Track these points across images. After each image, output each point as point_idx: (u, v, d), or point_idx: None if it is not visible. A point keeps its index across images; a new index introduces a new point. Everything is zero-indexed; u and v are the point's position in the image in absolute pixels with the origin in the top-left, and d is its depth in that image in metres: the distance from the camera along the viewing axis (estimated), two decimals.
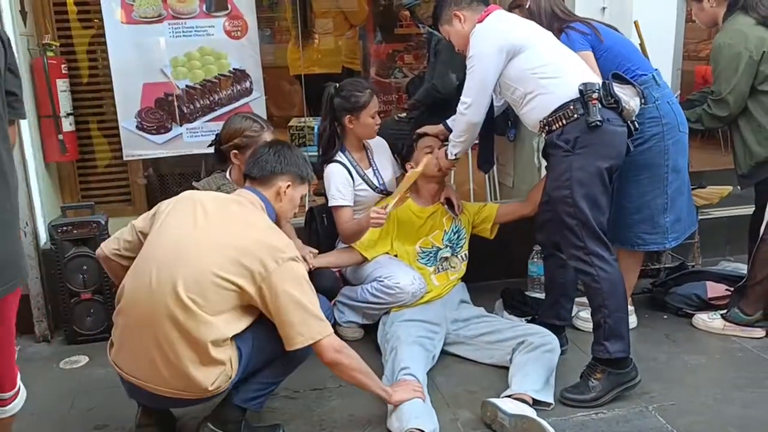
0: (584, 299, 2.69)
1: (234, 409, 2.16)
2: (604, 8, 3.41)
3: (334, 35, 4.87)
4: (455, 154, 2.86)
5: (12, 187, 1.75)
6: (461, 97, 2.67)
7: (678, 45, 3.62)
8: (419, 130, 3.13)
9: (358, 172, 3.05)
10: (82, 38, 3.80)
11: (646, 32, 3.29)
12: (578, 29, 2.74)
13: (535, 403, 2.36)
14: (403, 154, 3.17)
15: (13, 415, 1.90)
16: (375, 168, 3.13)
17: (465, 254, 3.11)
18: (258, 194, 2.22)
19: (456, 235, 3.08)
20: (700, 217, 3.34)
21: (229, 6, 3.42)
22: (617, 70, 2.60)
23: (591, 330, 2.55)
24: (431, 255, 3.04)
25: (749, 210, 3.22)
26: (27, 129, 3.16)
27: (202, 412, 2.24)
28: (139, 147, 3.51)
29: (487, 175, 3.95)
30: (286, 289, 2.00)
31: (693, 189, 3.09)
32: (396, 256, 3.04)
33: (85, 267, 3.07)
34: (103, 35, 3.37)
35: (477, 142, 3.08)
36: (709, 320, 3.07)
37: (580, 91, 2.40)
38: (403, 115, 3.95)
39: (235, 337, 2.04)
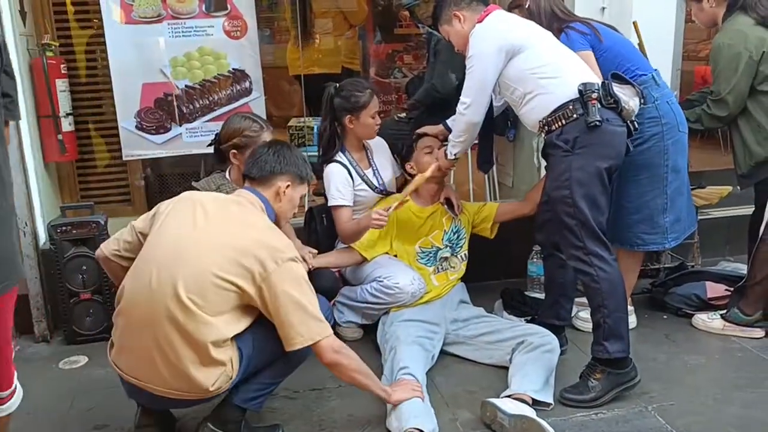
0: (584, 299, 2.69)
1: (234, 409, 2.16)
2: (603, 8, 3.41)
3: (333, 35, 4.86)
4: (455, 154, 2.86)
5: (7, 184, 1.74)
6: (460, 97, 2.67)
7: (677, 45, 3.62)
8: (419, 131, 3.13)
9: (357, 172, 3.04)
10: (82, 38, 3.80)
11: (645, 32, 3.29)
12: (578, 29, 2.74)
13: (535, 403, 2.36)
14: (402, 155, 3.17)
15: (9, 414, 1.89)
16: (375, 168, 3.13)
17: (465, 254, 3.11)
18: (257, 194, 2.21)
19: (456, 235, 3.08)
20: (699, 217, 3.34)
21: (229, 6, 3.42)
22: (617, 70, 2.60)
23: (590, 330, 2.55)
24: (431, 255, 3.04)
25: (749, 210, 3.22)
26: (26, 129, 3.17)
27: (201, 412, 2.24)
28: (139, 147, 3.50)
29: (486, 175, 3.95)
30: (286, 289, 2.00)
31: (692, 189, 3.09)
32: (396, 256, 3.04)
33: (84, 267, 3.07)
34: (103, 35, 3.37)
35: (476, 142, 3.08)
36: (708, 320, 3.07)
37: (580, 91, 2.40)
38: (403, 115, 3.95)
39: (236, 338, 2.04)
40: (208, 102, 3.51)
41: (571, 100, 2.42)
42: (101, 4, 3.30)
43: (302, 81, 4.47)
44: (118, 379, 2.14)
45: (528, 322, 2.92)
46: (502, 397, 2.37)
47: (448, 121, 2.97)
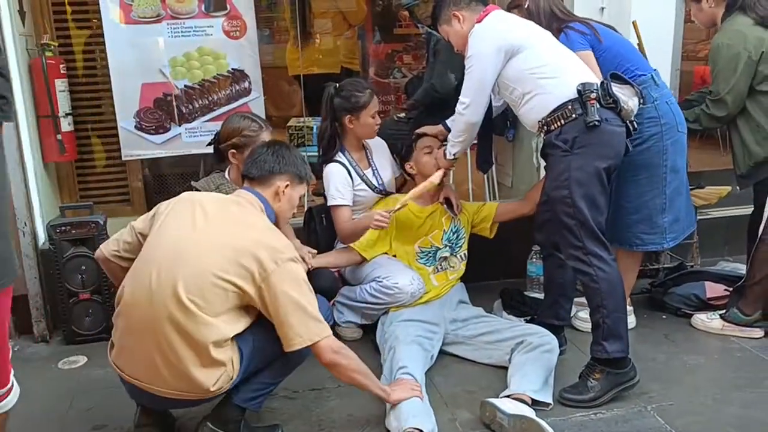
0: (583, 299, 2.70)
1: (234, 409, 2.16)
2: (602, 8, 3.41)
3: (332, 35, 4.87)
4: (454, 154, 2.86)
5: (6, 184, 1.74)
6: (460, 97, 2.67)
7: (677, 45, 3.61)
8: (418, 131, 3.13)
9: (357, 173, 3.05)
10: (81, 38, 3.80)
11: (644, 32, 3.29)
12: (577, 29, 2.74)
13: (534, 403, 2.36)
14: (402, 155, 3.17)
15: (7, 412, 1.89)
16: (374, 168, 3.13)
17: (464, 254, 3.11)
18: (257, 195, 2.22)
19: (455, 235, 3.08)
20: (698, 218, 3.34)
21: (228, 6, 3.42)
22: (616, 70, 2.60)
23: (590, 330, 2.55)
24: (430, 255, 3.04)
25: (748, 210, 3.23)
26: (26, 129, 3.17)
27: (201, 412, 2.23)
28: (138, 147, 3.50)
29: (485, 175, 3.95)
30: (285, 290, 2.00)
31: (692, 189, 3.09)
32: (395, 256, 3.04)
33: (83, 267, 3.07)
34: (102, 35, 3.37)
35: (475, 142, 3.08)
36: (707, 320, 3.07)
37: (579, 91, 2.40)
38: (402, 115, 3.95)
39: (236, 338, 2.04)
40: (207, 102, 3.51)
41: (570, 100, 2.42)
42: (100, 4, 3.30)
43: (301, 81, 4.48)
44: (117, 379, 2.14)
45: (527, 322, 2.92)
46: (501, 397, 2.37)
47: (448, 121, 2.97)
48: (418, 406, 2.29)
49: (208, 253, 2.00)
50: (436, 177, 2.88)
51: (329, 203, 3.00)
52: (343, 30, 4.91)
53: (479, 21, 2.62)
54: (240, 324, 2.04)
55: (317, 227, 3.18)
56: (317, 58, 4.80)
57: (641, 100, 2.53)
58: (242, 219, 2.13)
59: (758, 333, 2.96)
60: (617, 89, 2.43)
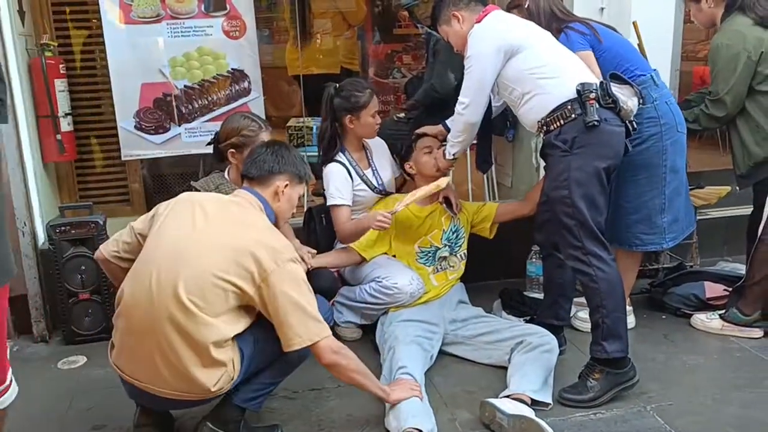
0: (583, 299, 2.69)
1: (234, 409, 2.17)
2: (602, 8, 3.41)
3: (332, 35, 4.86)
4: (453, 154, 2.87)
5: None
6: (459, 97, 2.67)
7: (676, 45, 3.62)
8: (418, 131, 3.13)
9: (357, 173, 3.05)
10: (81, 38, 3.80)
11: (644, 32, 3.29)
12: (577, 29, 2.74)
13: (534, 403, 2.36)
14: (402, 155, 3.17)
15: (4, 410, 1.89)
16: (374, 168, 3.13)
17: (464, 253, 3.11)
18: (256, 195, 2.21)
19: (455, 235, 3.08)
20: (698, 218, 3.35)
21: (228, 6, 3.42)
22: (616, 70, 2.60)
23: (589, 330, 2.55)
24: (430, 255, 3.04)
25: (747, 210, 3.22)
26: (25, 129, 3.16)
27: (200, 412, 2.23)
28: (138, 147, 3.50)
29: (485, 176, 3.95)
30: (285, 290, 2.00)
31: (691, 189, 3.09)
32: (394, 256, 3.04)
33: (83, 267, 3.07)
34: (102, 35, 3.37)
35: (475, 142, 3.08)
36: (707, 320, 3.07)
37: (578, 91, 2.40)
38: (402, 115, 3.95)
39: (237, 338, 2.04)
40: (207, 102, 3.51)
41: (569, 100, 2.42)
42: (100, 4, 3.30)
43: (301, 81, 4.48)
44: (117, 379, 2.14)
45: (527, 322, 2.92)
46: (500, 397, 2.37)
47: (448, 122, 2.97)
48: (418, 406, 2.29)
49: (208, 254, 2.00)
50: (443, 181, 2.88)
51: (329, 203, 3.00)
52: (342, 30, 4.91)
53: (478, 21, 2.62)
54: (240, 324, 2.04)
55: (317, 227, 3.18)
56: (317, 58, 4.80)
57: (641, 100, 2.53)
58: (242, 219, 2.13)
59: (757, 333, 2.96)
60: (616, 89, 2.44)
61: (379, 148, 3.21)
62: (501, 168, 4.24)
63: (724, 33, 2.94)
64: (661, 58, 3.32)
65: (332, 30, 4.85)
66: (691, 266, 3.60)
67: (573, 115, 2.41)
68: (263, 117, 3.20)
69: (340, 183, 2.98)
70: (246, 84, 3.53)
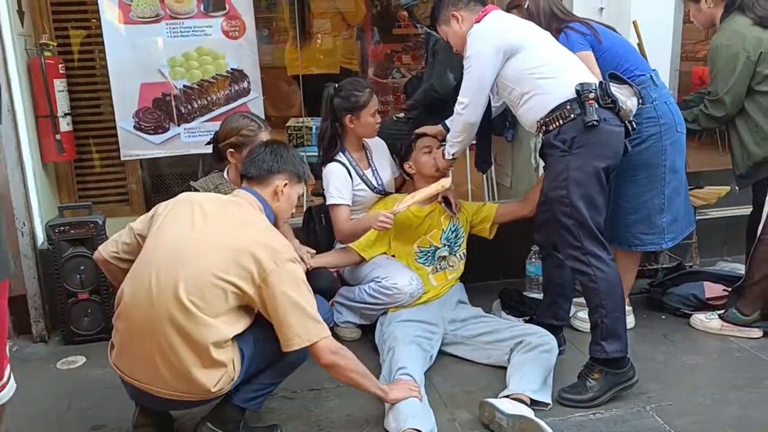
0: (582, 299, 2.69)
1: (233, 409, 2.16)
2: (601, 9, 3.41)
3: (331, 35, 4.87)
4: (452, 154, 2.87)
5: None
6: (458, 98, 2.67)
7: (675, 46, 3.62)
8: (418, 131, 3.13)
9: (357, 173, 3.05)
10: (80, 38, 3.80)
11: (643, 33, 3.29)
12: (577, 29, 2.74)
13: (533, 404, 2.36)
14: (401, 155, 3.17)
15: (3, 405, 1.88)
16: (374, 168, 3.13)
17: (463, 253, 3.11)
18: (255, 194, 2.21)
19: (454, 234, 3.08)
20: (697, 218, 3.35)
21: (227, 6, 3.42)
22: (615, 70, 2.61)
23: (588, 330, 2.55)
24: (429, 254, 3.04)
25: (747, 210, 3.22)
26: (24, 129, 3.16)
27: (200, 413, 2.23)
28: (137, 147, 3.50)
29: (484, 176, 3.95)
30: (284, 290, 2.00)
31: (691, 189, 3.10)
32: (394, 256, 3.04)
33: (82, 267, 3.06)
34: (101, 35, 3.37)
35: (474, 142, 3.08)
36: (706, 320, 3.07)
37: (577, 91, 2.40)
38: (401, 115, 3.95)
39: (237, 339, 2.04)
40: (206, 102, 3.51)
41: (568, 100, 2.42)
42: (99, 4, 3.30)
43: (300, 81, 4.47)
44: (116, 379, 2.14)
45: (526, 322, 2.92)
46: (500, 397, 2.37)
47: (447, 122, 2.97)
48: (417, 406, 2.29)
49: (208, 254, 2.00)
50: (446, 181, 2.88)
51: (328, 202, 3.00)
52: (342, 30, 4.91)
53: (478, 21, 2.63)
54: (240, 325, 2.04)
55: (316, 227, 3.18)
56: (316, 58, 4.80)
57: (640, 100, 2.53)
58: (241, 219, 2.13)
59: (757, 333, 2.96)
60: (616, 89, 2.44)
61: (378, 148, 3.21)
62: (500, 168, 4.24)
63: (724, 33, 2.94)
64: (661, 58, 3.33)
65: (332, 30, 4.85)
66: (691, 266, 3.60)
67: (572, 115, 2.41)
68: (263, 117, 3.20)
69: (340, 183, 2.98)
70: (245, 84, 3.53)
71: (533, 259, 3.44)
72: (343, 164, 3.01)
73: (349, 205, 2.99)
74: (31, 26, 3.48)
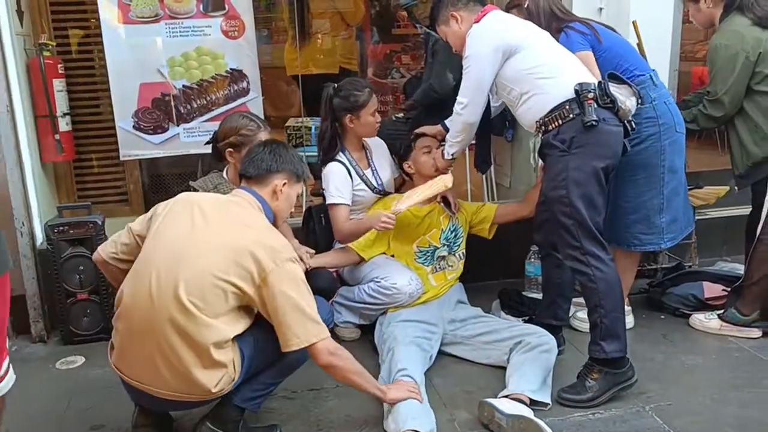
0: (581, 299, 2.69)
1: (233, 409, 2.16)
2: (601, 9, 3.41)
3: (331, 35, 4.87)
4: (452, 154, 2.87)
5: None
6: (457, 98, 2.67)
7: (675, 46, 3.62)
8: (417, 131, 3.13)
9: (357, 172, 3.04)
10: (79, 38, 3.80)
11: (643, 33, 3.29)
12: (577, 29, 2.74)
13: (533, 404, 2.36)
14: (400, 155, 3.17)
15: (2, 397, 1.88)
16: (374, 168, 3.13)
17: (462, 253, 3.11)
18: (254, 194, 2.21)
19: (453, 234, 3.08)
20: (697, 218, 3.35)
21: (226, 6, 3.42)
22: (615, 70, 2.61)
23: (588, 330, 2.55)
24: (428, 254, 3.04)
25: (746, 210, 3.23)
26: (23, 129, 3.16)
27: (199, 413, 2.23)
28: (136, 147, 3.50)
29: (484, 176, 3.95)
30: (284, 290, 2.00)
31: (690, 189, 3.09)
32: (393, 256, 3.04)
33: (81, 267, 3.06)
34: (100, 35, 3.36)
35: (474, 142, 3.07)
36: (706, 320, 3.07)
37: (576, 91, 2.40)
38: (401, 115, 3.95)
39: (237, 339, 2.04)
40: (205, 102, 3.51)
41: (567, 100, 2.42)
42: (98, 4, 3.30)
43: (300, 81, 4.47)
44: (115, 379, 2.14)
45: (525, 322, 2.92)
46: (499, 397, 2.37)
47: (446, 122, 2.97)
48: (417, 407, 2.28)
49: (208, 254, 2.00)
50: (449, 180, 2.88)
51: (328, 201, 2.99)
52: (341, 30, 4.91)
53: (477, 21, 2.63)
54: (240, 325, 2.04)
55: (316, 227, 3.18)
56: (315, 58, 4.81)
57: (639, 100, 2.53)
58: (241, 219, 2.12)
59: (756, 333, 2.97)
60: (615, 89, 2.44)
61: (378, 148, 3.21)
62: (500, 168, 4.25)
63: (723, 33, 2.94)
64: (660, 59, 3.33)
65: (331, 30, 4.86)
66: (690, 266, 3.60)
67: (571, 115, 2.41)
68: (262, 117, 3.20)
69: (339, 182, 2.98)
70: (244, 84, 3.53)
71: (532, 259, 3.44)
72: (344, 164, 3.01)
73: (348, 205, 2.99)
74: (30, 26, 3.49)
